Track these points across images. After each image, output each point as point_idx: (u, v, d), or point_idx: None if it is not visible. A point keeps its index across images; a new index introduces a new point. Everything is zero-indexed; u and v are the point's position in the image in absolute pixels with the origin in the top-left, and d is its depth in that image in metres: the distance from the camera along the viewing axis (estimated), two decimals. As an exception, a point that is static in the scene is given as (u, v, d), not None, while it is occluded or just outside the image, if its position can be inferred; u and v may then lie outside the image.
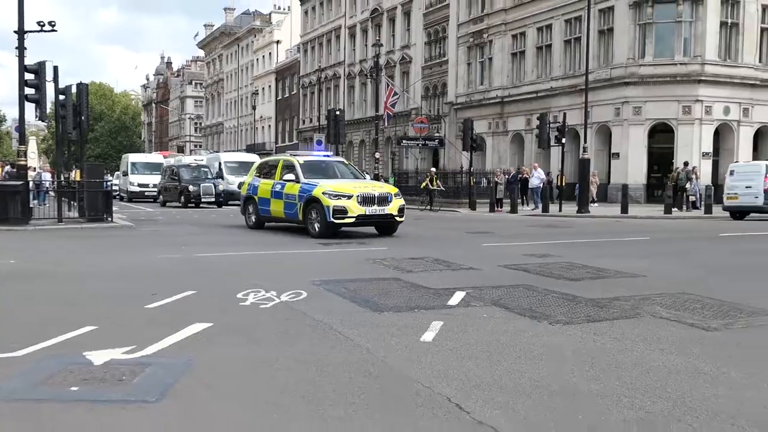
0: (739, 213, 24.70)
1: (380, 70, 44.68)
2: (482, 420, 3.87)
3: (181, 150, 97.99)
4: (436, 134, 45.52)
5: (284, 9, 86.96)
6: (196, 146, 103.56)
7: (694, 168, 30.21)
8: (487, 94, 43.79)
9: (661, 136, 33.88)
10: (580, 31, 35.64)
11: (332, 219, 14.48)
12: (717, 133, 33.87)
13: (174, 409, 4.10)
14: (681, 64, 33.27)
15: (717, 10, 33.27)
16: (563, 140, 28.73)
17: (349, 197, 14.64)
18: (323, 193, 14.69)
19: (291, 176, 15.88)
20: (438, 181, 32.19)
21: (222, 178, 35.08)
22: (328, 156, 19.76)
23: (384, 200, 15.07)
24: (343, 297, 7.68)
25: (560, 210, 27.25)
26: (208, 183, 32.67)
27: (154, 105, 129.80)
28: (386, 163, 51.22)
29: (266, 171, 17.75)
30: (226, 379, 4.69)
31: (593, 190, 31.27)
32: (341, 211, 14.51)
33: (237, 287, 8.12)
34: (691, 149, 32.55)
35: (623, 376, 4.79)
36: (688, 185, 28.88)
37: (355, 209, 14.62)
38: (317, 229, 14.84)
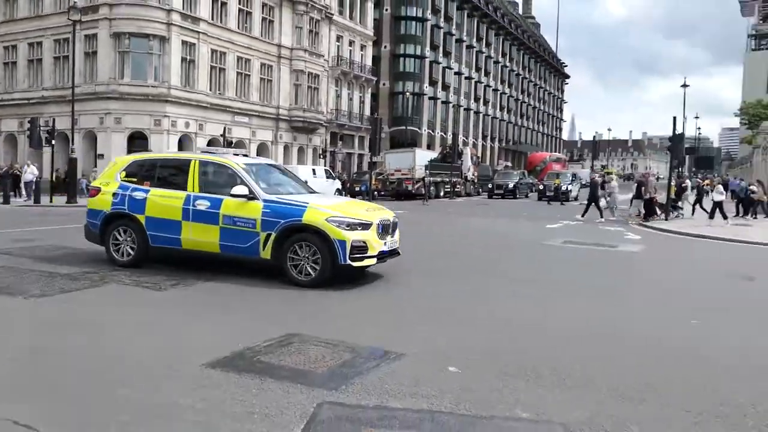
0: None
1: None
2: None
3: None
4: None
5: None
6: None
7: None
8: (-20, 97, 37.08)
9: (139, 141, 33.15)
10: (69, 51, 32.62)
11: (348, 261, 7.04)
12: (181, 141, 34.72)
13: None
14: (152, 86, 32.99)
15: (179, 48, 33.89)
16: (53, 142, 25.98)
17: (367, 226, 7.31)
18: (328, 220, 7.07)
19: (241, 190, 7.32)
20: None
21: None
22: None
23: (395, 228, 7.99)
24: None
25: (51, 201, 24.62)
26: None
27: None
28: None
29: (158, 176, 8.10)
30: None
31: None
32: (361, 249, 7.17)
33: None
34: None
35: (79, 336, 4.58)
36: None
37: (376, 244, 7.36)
38: (313, 275, 7.03)
